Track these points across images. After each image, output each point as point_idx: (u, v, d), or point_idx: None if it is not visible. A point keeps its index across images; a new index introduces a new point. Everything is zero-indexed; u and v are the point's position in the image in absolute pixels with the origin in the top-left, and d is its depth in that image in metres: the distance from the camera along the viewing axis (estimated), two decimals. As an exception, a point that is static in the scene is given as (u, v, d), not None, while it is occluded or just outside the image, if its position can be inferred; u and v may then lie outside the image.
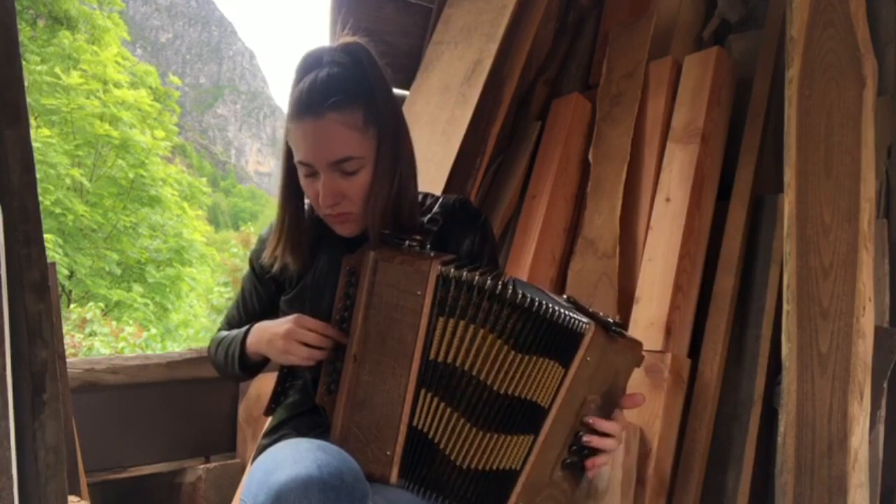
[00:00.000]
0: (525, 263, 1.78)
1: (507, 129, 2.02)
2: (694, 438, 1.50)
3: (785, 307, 1.19)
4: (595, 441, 0.85)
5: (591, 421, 0.85)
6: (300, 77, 0.97)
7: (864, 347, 1.15)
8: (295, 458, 0.78)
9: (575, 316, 0.84)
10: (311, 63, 0.97)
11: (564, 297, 0.91)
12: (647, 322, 1.55)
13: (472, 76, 1.82)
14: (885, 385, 1.34)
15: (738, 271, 1.57)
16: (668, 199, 1.65)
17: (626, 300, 1.64)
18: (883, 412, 1.37)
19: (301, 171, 0.99)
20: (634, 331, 1.58)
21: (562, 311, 0.84)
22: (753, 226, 1.61)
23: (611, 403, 0.86)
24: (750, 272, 1.58)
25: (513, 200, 1.95)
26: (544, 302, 0.85)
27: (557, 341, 0.84)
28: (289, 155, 1.01)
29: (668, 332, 1.51)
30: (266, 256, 1.06)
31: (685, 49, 1.89)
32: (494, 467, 0.86)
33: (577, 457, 0.86)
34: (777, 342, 1.44)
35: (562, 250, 1.84)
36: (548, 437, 0.84)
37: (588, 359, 0.82)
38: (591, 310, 0.85)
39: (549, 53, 2.10)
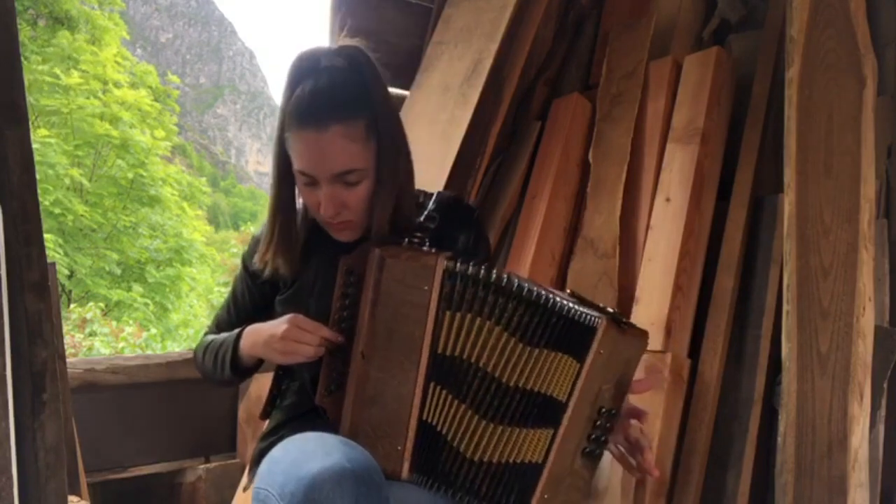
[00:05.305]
0: (525, 263, 1.78)
1: (507, 129, 2.01)
2: (694, 438, 1.49)
3: (785, 307, 1.19)
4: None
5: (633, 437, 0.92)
6: (297, 81, 0.94)
7: (864, 347, 1.15)
8: (325, 449, 0.79)
9: (584, 310, 0.87)
10: (307, 66, 0.94)
11: (567, 291, 0.93)
12: (647, 322, 1.55)
13: (472, 76, 1.82)
14: (885, 385, 1.34)
15: (738, 271, 1.57)
16: (668, 200, 1.65)
17: (626, 300, 1.64)
18: (883, 412, 1.36)
19: (300, 180, 0.97)
20: (634, 331, 1.58)
21: (570, 305, 0.87)
22: (753, 226, 1.61)
23: (622, 390, 0.89)
24: (750, 272, 1.58)
25: (513, 200, 1.94)
26: (552, 296, 0.87)
27: (569, 335, 0.86)
28: (281, 160, 0.98)
29: (668, 332, 1.51)
30: (257, 261, 1.04)
31: (685, 49, 1.89)
32: (514, 461, 0.88)
33: (596, 445, 0.88)
34: (777, 342, 1.44)
35: (562, 250, 1.84)
36: (567, 430, 0.86)
37: (601, 351, 0.86)
38: (594, 302, 0.88)
39: (549, 53, 2.09)
